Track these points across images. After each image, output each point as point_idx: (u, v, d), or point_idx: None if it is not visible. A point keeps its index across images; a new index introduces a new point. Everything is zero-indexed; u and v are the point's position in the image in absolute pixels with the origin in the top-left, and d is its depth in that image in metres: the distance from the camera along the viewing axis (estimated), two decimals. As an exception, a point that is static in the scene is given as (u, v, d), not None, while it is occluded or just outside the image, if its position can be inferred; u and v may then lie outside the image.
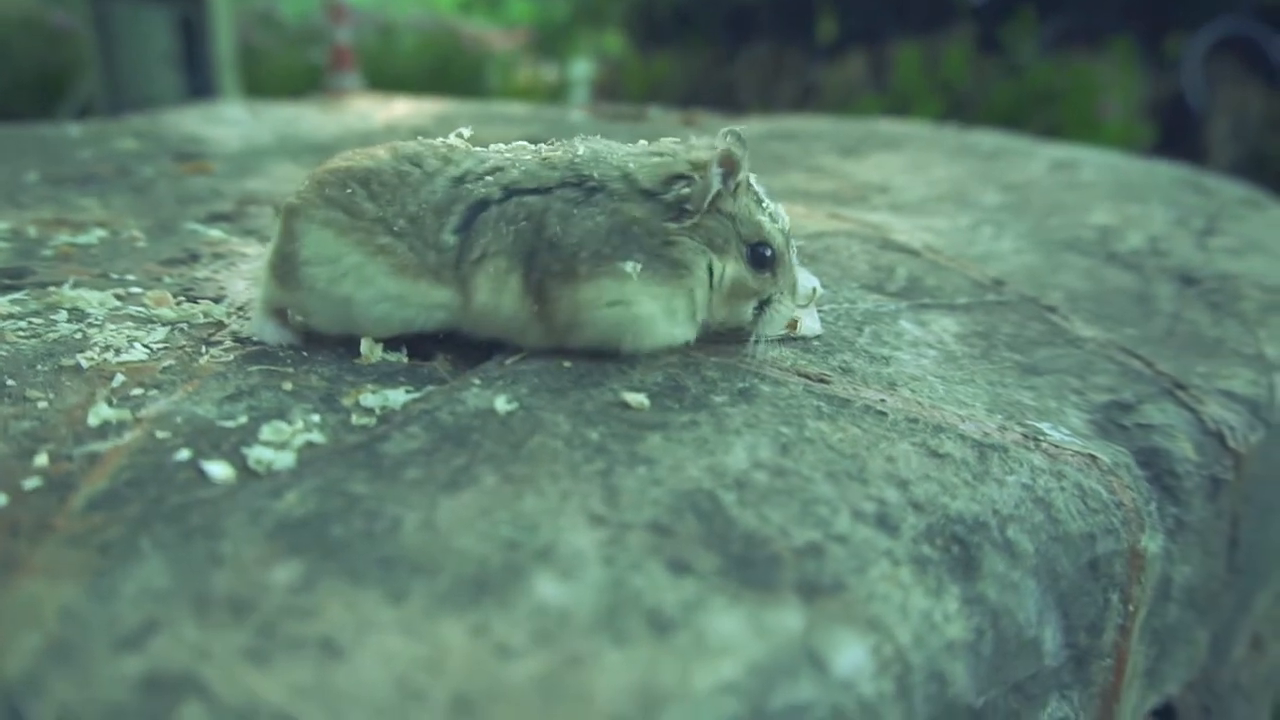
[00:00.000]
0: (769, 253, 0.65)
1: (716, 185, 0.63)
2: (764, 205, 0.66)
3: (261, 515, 0.49)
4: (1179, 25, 4.28)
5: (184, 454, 0.54)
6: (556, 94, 4.92)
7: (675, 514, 0.50)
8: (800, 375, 0.66)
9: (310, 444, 0.55)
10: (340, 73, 3.52)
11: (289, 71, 4.22)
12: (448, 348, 0.67)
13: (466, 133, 0.69)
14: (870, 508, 0.52)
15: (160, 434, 0.56)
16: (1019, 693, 0.54)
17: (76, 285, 0.76)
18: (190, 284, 0.80)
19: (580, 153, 0.65)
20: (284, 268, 0.65)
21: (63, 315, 0.71)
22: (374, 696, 0.39)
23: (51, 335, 0.68)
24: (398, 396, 0.60)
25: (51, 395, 0.60)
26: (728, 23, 4.92)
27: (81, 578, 0.44)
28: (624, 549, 0.47)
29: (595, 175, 0.63)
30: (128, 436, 0.56)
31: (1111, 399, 0.70)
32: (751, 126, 1.56)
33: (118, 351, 0.66)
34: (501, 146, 0.67)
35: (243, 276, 0.81)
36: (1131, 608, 0.61)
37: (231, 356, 0.66)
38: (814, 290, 0.71)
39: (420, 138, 0.68)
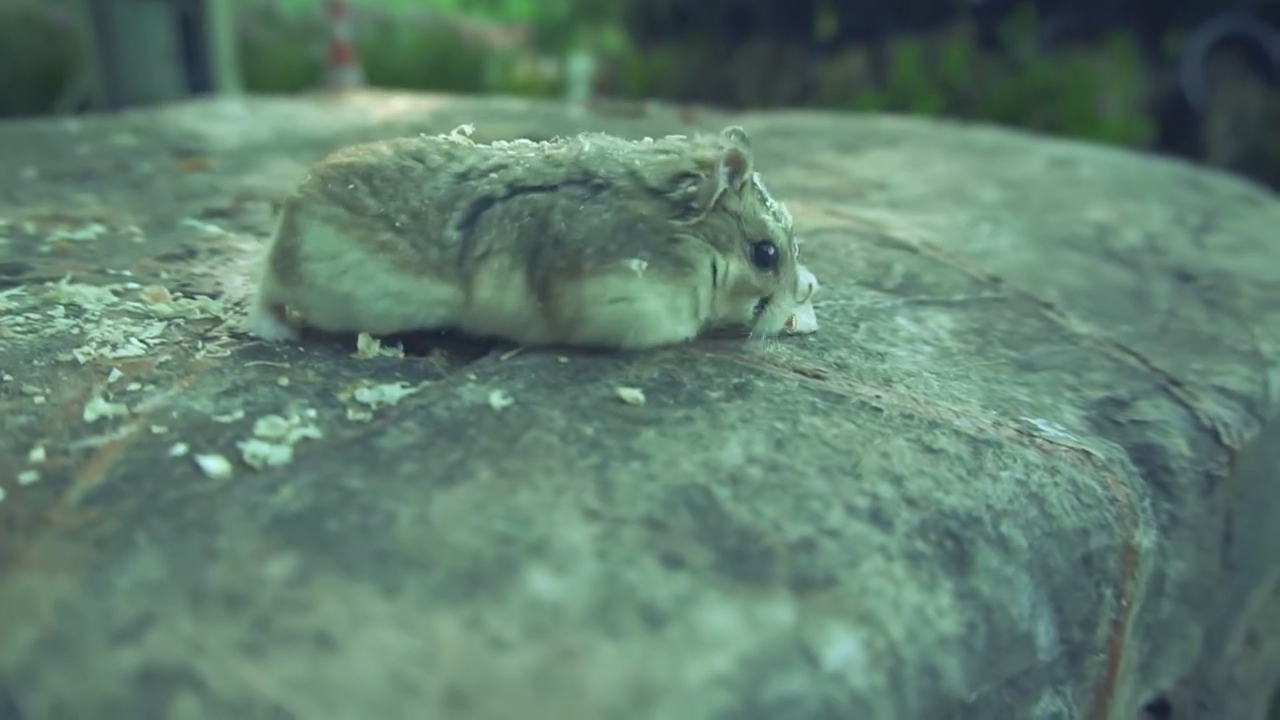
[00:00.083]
0: (772, 251, 0.65)
1: (723, 184, 0.63)
2: (768, 204, 0.66)
3: (257, 509, 0.49)
4: (1178, 23, 4.28)
5: (180, 449, 0.54)
6: (555, 90, 4.92)
7: (669, 509, 0.50)
8: (796, 371, 0.66)
9: (306, 439, 0.55)
10: (339, 69, 3.51)
11: (288, 67, 4.21)
12: (444, 343, 0.67)
13: (469, 129, 0.69)
14: (864, 503, 0.53)
15: (156, 429, 0.56)
16: (1012, 687, 0.54)
17: (74, 281, 0.76)
18: (187, 280, 0.80)
19: (586, 150, 0.65)
20: (284, 263, 0.65)
21: (60, 311, 0.71)
22: (368, 689, 0.39)
23: (48, 330, 0.68)
24: (393, 392, 0.60)
25: (48, 390, 0.60)
26: (727, 19, 4.92)
27: (77, 571, 0.44)
28: (618, 543, 0.47)
29: (601, 173, 0.63)
30: (124, 431, 0.56)
31: (1106, 395, 0.70)
32: (750, 123, 1.56)
33: (114, 347, 0.66)
34: (504, 144, 0.67)
35: (240, 272, 0.82)
36: (1125, 603, 0.61)
37: (228, 352, 0.66)
38: (810, 286, 0.71)
39: (421, 134, 0.68)
